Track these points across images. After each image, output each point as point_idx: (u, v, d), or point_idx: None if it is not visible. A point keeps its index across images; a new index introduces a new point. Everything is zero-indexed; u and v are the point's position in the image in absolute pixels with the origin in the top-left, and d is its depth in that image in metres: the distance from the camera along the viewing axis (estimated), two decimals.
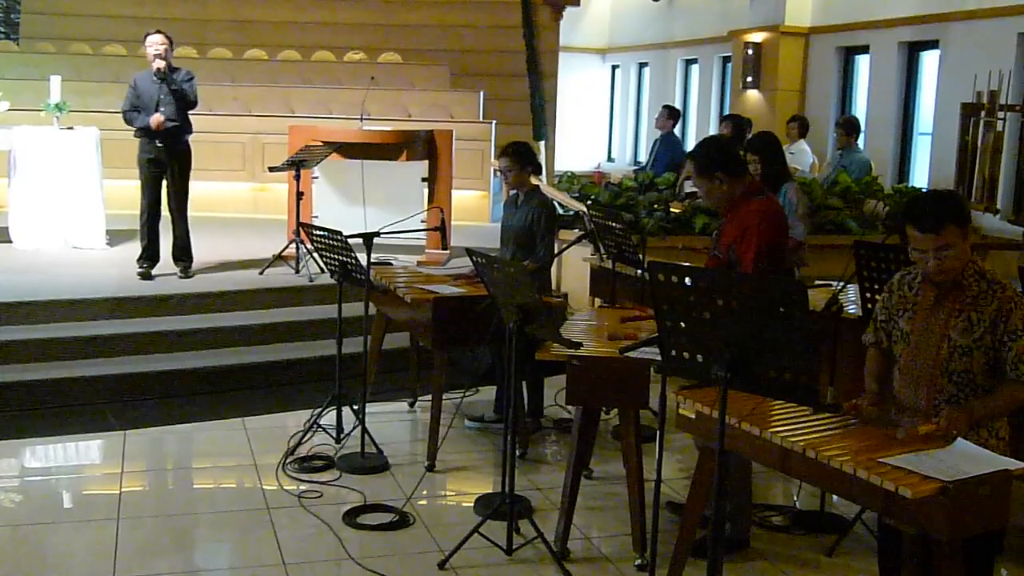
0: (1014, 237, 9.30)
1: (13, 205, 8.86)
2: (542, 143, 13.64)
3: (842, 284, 5.07)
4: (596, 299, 7.16)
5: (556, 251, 6.08)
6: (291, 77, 12.74)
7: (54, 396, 6.35)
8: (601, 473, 5.43)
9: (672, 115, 11.23)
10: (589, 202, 8.09)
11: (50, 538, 4.54)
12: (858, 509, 4.62)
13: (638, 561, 4.38)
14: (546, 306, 4.51)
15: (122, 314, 7.17)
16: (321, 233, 5.37)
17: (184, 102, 7.57)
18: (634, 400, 4.37)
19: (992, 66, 9.72)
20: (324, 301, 7.68)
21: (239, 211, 11.08)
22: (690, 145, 11.64)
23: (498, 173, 6.70)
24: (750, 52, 13.78)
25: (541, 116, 13.97)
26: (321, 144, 8.35)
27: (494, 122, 11.78)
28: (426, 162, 8.81)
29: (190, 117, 7.73)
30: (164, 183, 7.68)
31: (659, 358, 3.27)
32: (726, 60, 15.70)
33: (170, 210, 7.74)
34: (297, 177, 8.03)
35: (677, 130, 11.55)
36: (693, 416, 3.79)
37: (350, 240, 5.22)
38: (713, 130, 14.95)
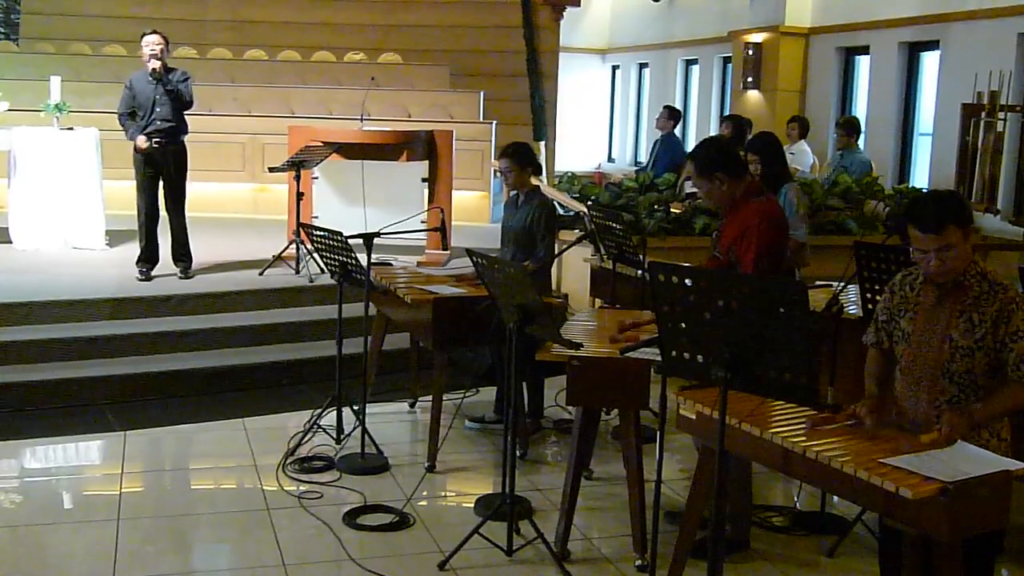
0: (1014, 238, 9.30)
1: (13, 205, 8.86)
2: (542, 143, 13.64)
3: (842, 284, 5.07)
4: (596, 300, 7.15)
5: (556, 252, 6.08)
6: (291, 77, 12.74)
7: (54, 396, 6.35)
8: (601, 474, 5.43)
9: (672, 116, 11.23)
10: (589, 203, 8.09)
11: (50, 539, 4.54)
12: (859, 510, 4.62)
13: (638, 562, 4.38)
14: (546, 307, 4.51)
15: (122, 315, 7.17)
16: (321, 233, 5.37)
17: (180, 102, 7.55)
18: (634, 401, 4.37)
19: (992, 66, 9.72)
20: (324, 301, 7.68)
21: (239, 212, 11.08)
22: (690, 146, 11.64)
23: (498, 174, 6.70)
24: (750, 52, 13.78)
25: (541, 116, 13.97)
26: (321, 144, 8.34)
27: (494, 122, 11.78)
28: (426, 162, 8.81)
29: (186, 117, 7.71)
30: (160, 184, 7.68)
31: (659, 359, 3.27)
32: (726, 60, 15.69)
33: (167, 210, 7.74)
34: (297, 177, 8.03)
35: (677, 131, 11.55)
36: (693, 417, 3.78)
37: (350, 240, 5.22)
38: (713, 130, 14.94)
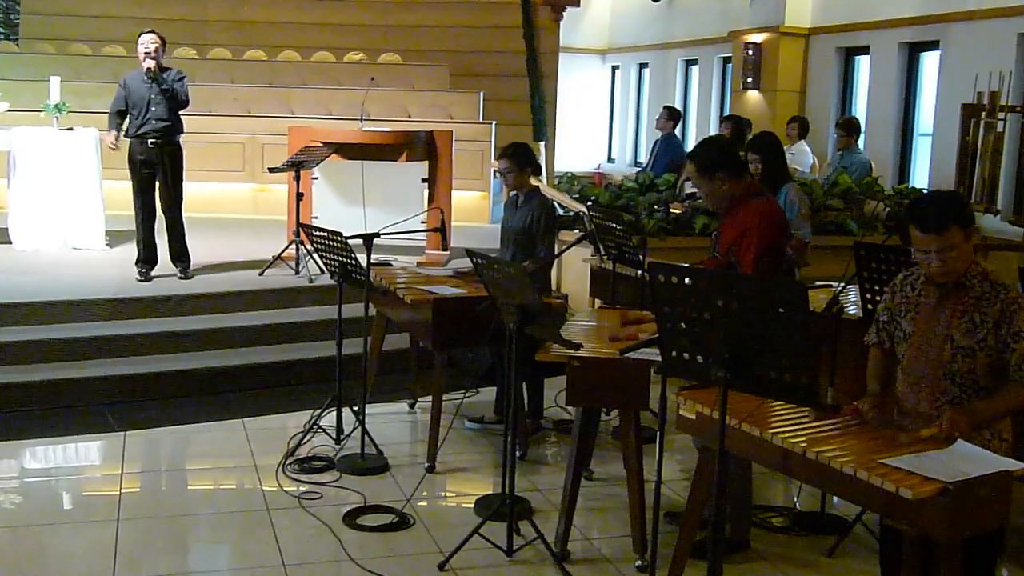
0: (1014, 238, 9.30)
1: (13, 206, 8.86)
2: (542, 144, 13.64)
3: (842, 285, 5.07)
4: (596, 300, 7.15)
5: (556, 252, 6.08)
6: (291, 78, 12.74)
7: (54, 397, 6.35)
8: (601, 474, 5.43)
9: (672, 116, 11.23)
10: (589, 203, 8.09)
11: (50, 539, 4.54)
12: (858, 510, 4.62)
13: (638, 562, 4.38)
14: (546, 307, 4.51)
15: (122, 315, 7.17)
16: (321, 234, 5.37)
17: (175, 102, 7.52)
18: (634, 401, 4.37)
19: (992, 67, 9.71)
20: (324, 302, 7.68)
21: (239, 212, 11.08)
22: (690, 146, 11.64)
23: (498, 174, 6.70)
24: (750, 53, 13.78)
25: (541, 117, 13.97)
26: (321, 145, 8.34)
27: (494, 123, 11.78)
28: (426, 163, 8.81)
29: (181, 117, 7.69)
30: (157, 185, 7.66)
31: (659, 359, 3.27)
32: (726, 61, 15.69)
33: (164, 211, 7.72)
34: (297, 178, 8.03)
35: (677, 131, 11.55)
36: (693, 417, 3.78)
37: (350, 241, 5.22)
38: (713, 131, 14.94)
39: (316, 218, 8.57)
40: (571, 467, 4.50)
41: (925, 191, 9.49)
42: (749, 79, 13.82)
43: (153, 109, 7.49)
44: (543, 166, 12.38)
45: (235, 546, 4.59)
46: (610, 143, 20.58)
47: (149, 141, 7.51)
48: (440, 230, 6.48)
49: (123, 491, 5.09)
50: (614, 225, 6.22)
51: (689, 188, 8.87)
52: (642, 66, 19.32)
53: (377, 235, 5.47)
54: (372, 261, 5.44)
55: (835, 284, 5.29)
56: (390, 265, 6.62)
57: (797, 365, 2.86)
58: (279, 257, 8.20)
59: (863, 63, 12.85)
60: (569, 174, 11.47)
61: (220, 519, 4.84)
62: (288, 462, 5.41)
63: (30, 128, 8.96)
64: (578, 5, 15.28)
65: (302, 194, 8.11)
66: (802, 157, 10.49)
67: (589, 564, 4.44)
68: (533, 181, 6.09)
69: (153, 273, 7.78)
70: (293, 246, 8.18)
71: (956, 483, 2.92)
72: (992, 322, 3.26)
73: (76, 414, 6.23)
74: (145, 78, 7.47)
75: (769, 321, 2.85)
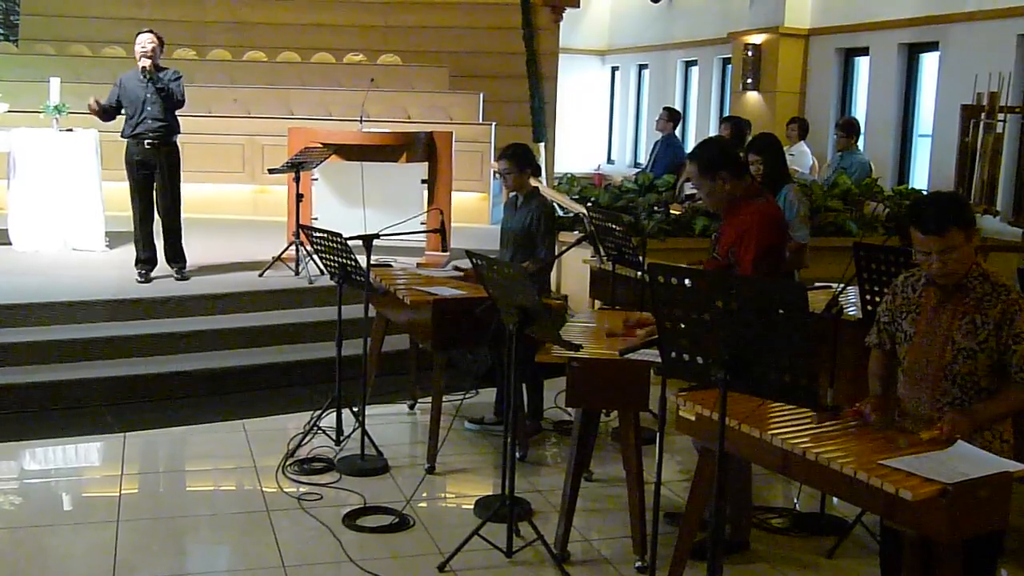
0: (1013, 239, 9.30)
1: (12, 207, 8.86)
2: (542, 145, 13.64)
3: (842, 286, 5.06)
4: (596, 301, 7.15)
5: (556, 253, 6.08)
6: (290, 79, 12.74)
7: (53, 398, 6.35)
8: (601, 475, 5.43)
9: (672, 117, 11.23)
10: (589, 204, 8.09)
11: (49, 540, 4.53)
12: (858, 511, 4.62)
13: (638, 563, 4.38)
14: (546, 308, 4.51)
15: (121, 316, 7.17)
16: (321, 235, 5.37)
17: (171, 101, 7.49)
18: (634, 402, 4.37)
19: (992, 68, 9.72)
20: (324, 303, 7.68)
21: (238, 213, 11.08)
22: (690, 147, 11.64)
23: (497, 175, 6.70)
24: (750, 53, 13.78)
25: (541, 118, 13.97)
26: (320, 146, 8.34)
27: (494, 124, 11.78)
28: (426, 164, 8.81)
29: (178, 118, 7.69)
30: (154, 185, 7.65)
31: (659, 360, 3.27)
32: (726, 62, 15.70)
33: (160, 211, 7.70)
34: (297, 179, 8.02)
35: (677, 132, 11.55)
36: (693, 418, 3.78)
37: (350, 242, 5.22)
38: (713, 132, 14.94)
39: (316, 219, 8.57)
40: (571, 468, 4.50)
41: (925, 192, 9.50)
42: (749, 80, 13.82)
43: (148, 109, 7.47)
44: (543, 167, 12.39)
45: (235, 547, 4.59)
46: (610, 144, 20.59)
47: (145, 142, 7.50)
48: (440, 231, 6.48)
49: (123, 492, 5.09)
50: (614, 226, 6.22)
51: (689, 189, 8.87)
52: (642, 67, 19.33)
53: (377, 236, 5.48)
54: (372, 262, 5.44)
55: (835, 285, 5.28)
56: (390, 266, 6.62)
57: (797, 366, 2.86)
58: (279, 258, 8.20)
59: (863, 64, 12.86)
60: (569, 175, 11.44)
61: (220, 520, 4.84)
62: (288, 463, 5.41)
63: (30, 129, 8.97)
64: (578, 6, 15.29)
65: (302, 195, 8.10)
66: (802, 158, 10.49)
67: (589, 565, 4.44)
68: (533, 182, 6.09)
69: (153, 274, 7.78)
70: (293, 247, 8.18)
71: (956, 484, 2.92)
72: (993, 323, 3.26)
73: (76, 415, 6.23)
74: (141, 77, 7.46)
75: (769, 322, 2.85)
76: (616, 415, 5.62)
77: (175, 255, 7.84)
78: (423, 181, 8.87)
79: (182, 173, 7.82)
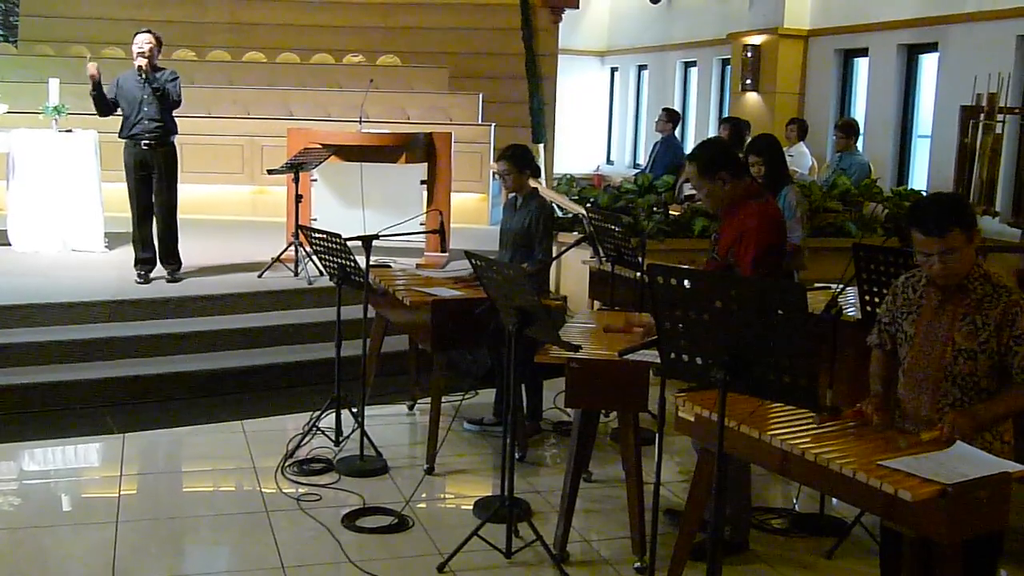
0: (1012, 240, 9.30)
1: (12, 208, 8.86)
2: (541, 146, 13.64)
3: (841, 287, 5.07)
4: (595, 302, 7.15)
5: (555, 254, 6.08)
6: (290, 79, 12.74)
7: (53, 399, 6.35)
8: (600, 476, 5.42)
9: (672, 118, 11.24)
10: (588, 205, 8.09)
11: (49, 541, 4.53)
12: (857, 512, 4.62)
13: (637, 564, 4.38)
14: (545, 309, 4.51)
15: (121, 317, 7.17)
16: (320, 236, 5.37)
17: (167, 102, 7.48)
18: (633, 403, 4.37)
19: (991, 69, 9.72)
20: (323, 304, 7.68)
21: (238, 214, 11.08)
22: (689, 148, 11.65)
23: (497, 176, 6.69)
24: (749, 54, 13.78)
25: (540, 119, 13.97)
26: (320, 147, 8.34)
27: (493, 125, 11.78)
28: (425, 165, 8.80)
29: (176, 119, 7.68)
30: (153, 186, 7.64)
31: (658, 361, 3.27)
32: (725, 62, 15.70)
33: (156, 212, 7.68)
34: (296, 180, 8.02)
35: (676, 133, 11.56)
36: (692, 419, 3.78)
37: (349, 243, 5.22)
38: (712, 132, 14.95)
39: (315, 220, 8.56)
40: (570, 469, 4.50)
41: (924, 193, 9.51)
42: (748, 81, 13.82)
43: (145, 110, 7.46)
44: (542, 168, 12.38)
45: (234, 548, 4.59)
46: (609, 145, 20.59)
47: (142, 143, 7.49)
48: (439, 232, 6.48)
49: (122, 493, 5.09)
50: (613, 227, 6.22)
51: (688, 190, 8.87)
52: (641, 68, 19.33)
53: (376, 237, 5.47)
54: (371, 263, 5.44)
55: (834, 286, 5.29)
56: (389, 267, 6.62)
57: (796, 367, 2.86)
58: (278, 259, 8.20)
59: (862, 65, 12.86)
60: (568, 176, 11.45)
61: (219, 521, 4.84)
62: (287, 464, 5.41)
63: (29, 130, 8.97)
64: (577, 7, 15.29)
65: (301, 196, 8.10)
66: (801, 159, 10.49)
67: (588, 566, 4.44)
68: (532, 183, 6.09)
69: (152, 275, 7.77)
70: (292, 248, 8.18)
71: (956, 485, 2.92)
72: (994, 324, 3.26)
73: (75, 416, 6.23)
74: (138, 77, 7.45)
75: (768, 323, 2.85)
76: (615, 416, 5.63)
77: (169, 256, 7.83)
78: (422, 182, 8.87)
79: (181, 174, 7.81)
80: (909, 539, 3.24)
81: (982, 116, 9.67)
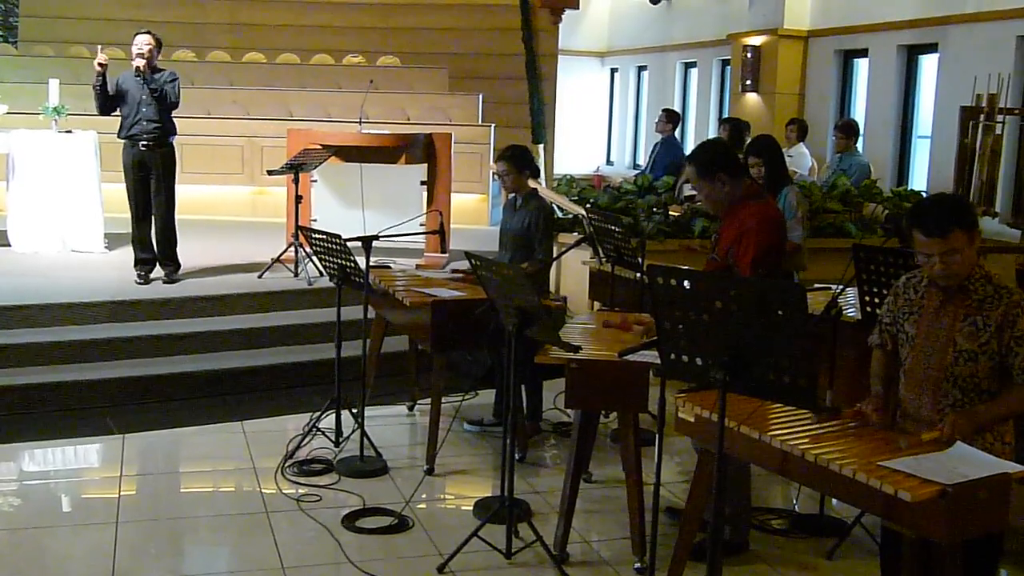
0: (1012, 240, 9.30)
1: (12, 208, 8.86)
2: (541, 146, 13.64)
3: (841, 287, 5.06)
4: (595, 302, 7.15)
5: (555, 254, 6.08)
6: (290, 80, 12.74)
7: (52, 400, 6.35)
8: (600, 476, 5.42)
9: (672, 119, 11.23)
10: (588, 205, 8.09)
11: (49, 542, 4.53)
12: (857, 512, 4.62)
13: (637, 564, 4.38)
14: (545, 309, 4.51)
15: (121, 317, 7.17)
16: (320, 236, 5.37)
17: (165, 103, 7.47)
18: (633, 403, 4.37)
19: (991, 69, 9.72)
20: (323, 304, 7.68)
21: (237, 214, 11.08)
22: (689, 149, 11.64)
23: (496, 176, 6.70)
24: (749, 55, 13.78)
25: (540, 119, 13.97)
26: (320, 147, 8.34)
27: (493, 125, 11.78)
28: (425, 165, 8.81)
29: (174, 119, 7.67)
30: (151, 187, 7.64)
31: (658, 361, 3.27)
32: (725, 63, 15.70)
33: (155, 212, 7.68)
34: (296, 180, 8.02)
35: (676, 134, 11.55)
36: (692, 419, 3.78)
37: (349, 243, 5.22)
38: (712, 133, 14.95)
39: (315, 221, 8.57)
40: (570, 469, 4.50)
41: (924, 194, 9.51)
42: (748, 81, 13.82)
43: (144, 110, 7.46)
44: (542, 168, 12.38)
45: (234, 549, 4.59)
46: (609, 145, 20.59)
47: (141, 143, 7.49)
48: (439, 232, 6.47)
49: (122, 493, 5.08)
50: (613, 227, 6.22)
51: (688, 191, 8.86)
52: (641, 68, 19.33)
53: (376, 237, 5.47)
54: (371, 263, 5.44)
55: (834, 286, 5.29)
56: (389, 267, 6.62)
57: (796, 367, 2.86)
58: (278, 260, 8.20)
59: (862, 65, 12.86)
60: (568, 176, 11.44)
61: (219, 522, 4.83)
62: (287, 464, 5.41)
63: (29, 131, 8.97)
64: (577, 7, 15.28)
65: (301, 197, 8.10)
66: (801, 160, 10.49)
67: (588, 566, 4.44)
68: (531, 183, 6.09)
69: (152, 275, 7.77)
70: (292, 249, 8.18)
71: (955, 485, 2.92)
72: (995, 326, 3.26)
73: (75, 417, 6.23)
74: (136, 78, 7.44)
75: (768, 323, 2.85)
76: (615, 416, 5.63)
77: (167, 257, 7.82)
78: (422, 182, 8.87)
79: (181, 174, 7.81)
80: (909, 539, 3.23)
81: (982, 117, 9.67)
